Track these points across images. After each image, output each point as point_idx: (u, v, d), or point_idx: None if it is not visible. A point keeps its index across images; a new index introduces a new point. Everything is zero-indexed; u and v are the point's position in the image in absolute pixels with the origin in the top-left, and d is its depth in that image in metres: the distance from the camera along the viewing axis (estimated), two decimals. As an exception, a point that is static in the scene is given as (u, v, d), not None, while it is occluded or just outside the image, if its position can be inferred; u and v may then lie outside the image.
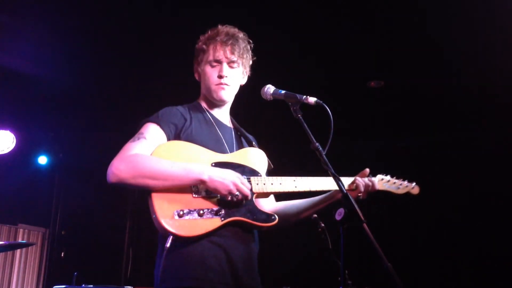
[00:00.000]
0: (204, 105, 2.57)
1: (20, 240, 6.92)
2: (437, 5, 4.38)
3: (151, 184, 2.14)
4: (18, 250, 7.01)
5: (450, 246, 6.39)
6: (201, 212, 2.17)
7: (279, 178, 2.44)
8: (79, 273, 4.62)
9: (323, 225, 3.37)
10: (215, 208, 2.21)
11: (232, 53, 2.49)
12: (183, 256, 2.15)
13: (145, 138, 2.26)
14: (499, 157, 6.30)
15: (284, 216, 2.49)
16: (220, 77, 2.47)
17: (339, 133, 2.67)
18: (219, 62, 2.49)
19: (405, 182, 2.86)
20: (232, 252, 2.23)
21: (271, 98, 2.44)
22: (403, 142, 6.96)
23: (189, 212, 2.15)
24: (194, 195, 2.20)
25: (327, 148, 2.20)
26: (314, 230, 3.39)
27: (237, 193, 2.21)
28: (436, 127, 6.67)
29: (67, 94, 6.18)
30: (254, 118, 5.69)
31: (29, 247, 7.12)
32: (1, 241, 6.69)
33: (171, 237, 2.09)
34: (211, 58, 2.49)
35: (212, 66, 2.49)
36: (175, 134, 2.34)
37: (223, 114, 2.60)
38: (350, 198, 2.01)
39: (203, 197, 2.22)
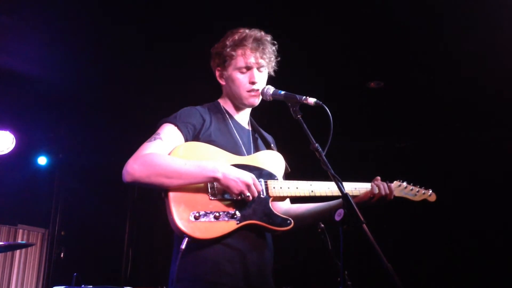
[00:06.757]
0: (225, 106, 2.55)
1: (19, 241, 6.91)
2: (437, 6, 4.38)
3: (166, 183, 2.13)
4: (18, 251, 7.00)
5: (450, 246, 6.39)
6: (217, 214, 2.16)
7: (295, 182, 2.43)
8: (79, 274, 4.62)
9: (322, 225, 3.36)
10: (231, 211, 2.20)
11: (262, 58, 2.48)
12: (197, 259, 2.15)
13: (160, 138, 2.24)
14: (499, 157, 6.30)
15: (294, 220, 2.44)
16: (252, 83, 2.46)
17: (339, 133, 2.67)
18: (249, 68, 2.47)
19: (422, 189, 2.84)
20: (245, 255, 2.23)
21: (271, 98, 2.45)
22: (403, 142, 6.96)
23: (206, 214, 2.14)
24: (211, 197, 2.20)
25: (326, 148, 2.20)
26: (314, 231, 3.39)
27: (248, 194, 2.20)
28: (436, 128, 6.67)
29: (66, 95, 6.18)
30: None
31: (29, 248, 7.11)
32: (1, 241, 6.69)
33: (186, 239, 2.09)
34: (241, 64, 2.46)
35: (242, 72, 2.47)
36: (194, 135, 2.32)
37: (243, 116, 2.59)
38: (350, 198, 2.01)
39: (220, 200, 2.21)
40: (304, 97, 2.29)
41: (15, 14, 4.64)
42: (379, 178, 2.66)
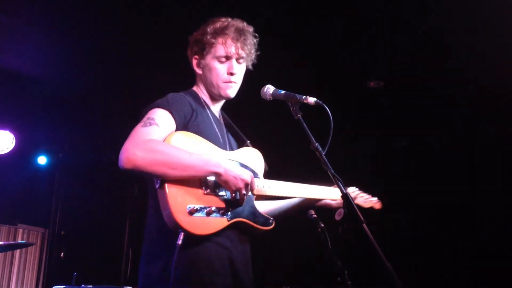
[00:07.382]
0: (202, 96, 2.50)
1: (19, 240, 6.92)
2: (437, 5, 4.38)
3: (169, 173, 2.04)
4: (18, 250, 7.01)
5: (450, 246, 6.39)
6: (211, 210, 2.12)
7: (277, 182, 2.44)
8: (79, 273, 4.61)
9: (322, 225, 3.36)
10: (222, 207, 2.18)
11: (243, 49, 2.43)
12: (191, 257, 2.10)
13: (157, 124, 2.15)
14: (498, 156, 6.30)
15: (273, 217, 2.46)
16: (231, 74, 2.42)
17: (339, 133, 2.67)
18: (228, 58, 2.42)
19: (370, 196, 2.93)
20: (233, 253, 2.22)
21: (271, 98, 2.43)
22: (403, 142, 6.96)
23: (200, 209, 2.09)
24: (204, 191, 2.16)
25: (326, 148, 2.19)
26: (314, 230, 3.39)
27: (244, 192, 2.17)
28: (435, 127, 6.67)
29: (66, 94, 6.18)
30: (253, 118, 5.70)
31: (29, 247, 7.12)
32: (1, 241, 6.69)
33: (182, 234, 2.02)
34: (220, 53, 2.40)
35: (221, 62, 2.42)
36: (184, 124, 2.25)
37: (217, 109, 2.55)
38: (350, 198, 2.00)
39: (212, 194, 2.18)
40: (304, 96, 2.28)
41: (15, 13, 4.64)
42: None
